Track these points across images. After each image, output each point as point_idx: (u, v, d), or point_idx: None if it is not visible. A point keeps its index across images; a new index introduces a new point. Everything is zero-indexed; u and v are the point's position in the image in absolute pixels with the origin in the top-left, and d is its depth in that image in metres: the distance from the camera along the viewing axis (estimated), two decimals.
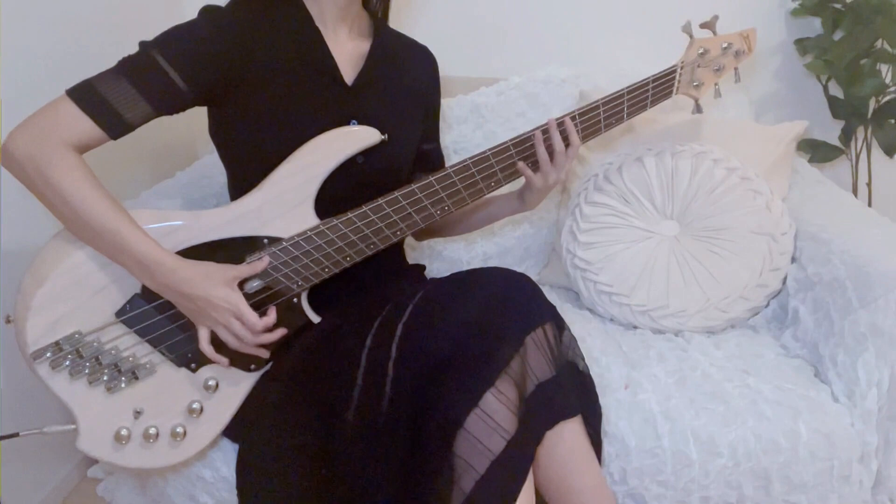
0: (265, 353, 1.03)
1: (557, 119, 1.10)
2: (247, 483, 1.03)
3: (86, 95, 0.93)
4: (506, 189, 1.19)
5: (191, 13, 1.02)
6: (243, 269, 0.99)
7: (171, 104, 0.99)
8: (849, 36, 1.58)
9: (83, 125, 0.93)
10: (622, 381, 1.17)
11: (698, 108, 1.25)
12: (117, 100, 0.94)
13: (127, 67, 0.96)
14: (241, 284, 1.00)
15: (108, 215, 0.92)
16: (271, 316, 1.01)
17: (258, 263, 1.00)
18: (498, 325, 0.93)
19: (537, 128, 1.10)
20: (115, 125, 0.95)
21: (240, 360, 1.04)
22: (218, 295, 0.95)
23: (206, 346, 0.99)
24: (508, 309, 0.95)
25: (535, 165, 1.11)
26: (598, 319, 1.41)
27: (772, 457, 1.08)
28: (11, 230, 1.24)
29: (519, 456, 0.89)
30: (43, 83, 1.26)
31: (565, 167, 1.12)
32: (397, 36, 1.20)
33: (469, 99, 1.60)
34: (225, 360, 1.00)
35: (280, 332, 1.02)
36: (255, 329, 0.98)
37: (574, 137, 1.11)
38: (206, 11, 1.01)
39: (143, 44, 0.98)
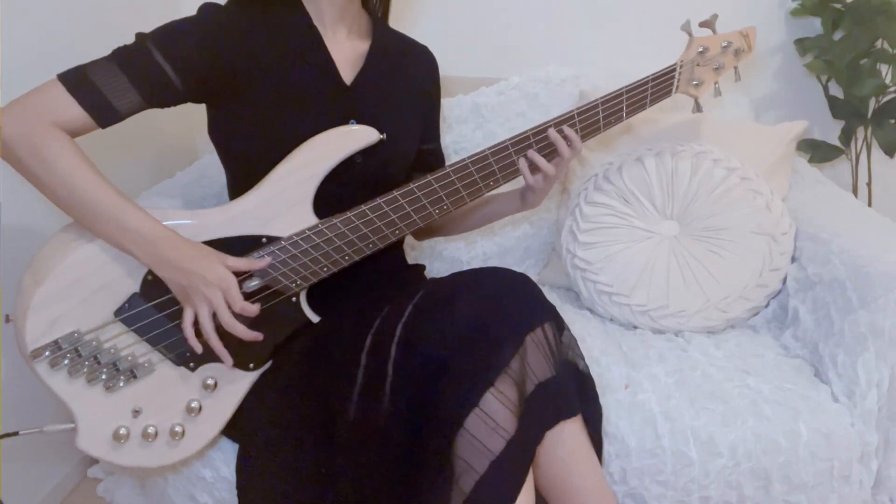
0: (229, 361, 0.99)
1: (556, 123, 1.10)
2: (247, 483, 1.03)
3: (77, 81, 0.93)
4: (506, 188, 1.19)
5: (188, 11, 1.02)
6: (241, 262, 0.98)
7: (163, 97, 0.98)
8: (849, 36, 1.58)
9: (72, 110, 0.92)
10: (622, 381, 1.17)
11: (698, 107, 1.25)
12: (108, 88, 0.93)
13: (121, 57, 0.95)
14: (240, 284, 1.00)
15: (105, 189, 0.91)
16: (255, 306, 0.98)
17: (258, 261, 0.99)
18: (497, 325, 0.93)
19: (535, 127, 1.10)
20: (105, 113, 0.94)
21: (239, 359, 1.03)
22: (215, 272, 0.94)
23: (188, 328, 0.96)
24: (508, 309, 0.95)
25: (533, 166, 1.11)
26: (598, 319, 1.41)
27: (772, 457, 1.07)
28: (11, 229, 1.24)
29: (519, 456, 0.89)
30: (39, 82, 1.26)
31: (565, 167, 1.12)
32: (397, 36, 1.20)
33: (469, 99, 1.60)
34: (218, 345, 0.97)
35: (253, 334, 0.98)
36: (235, 305, 0.95)
37: (571, 144, 1.10)
38: (206, 8, 1.01)
39: (139, 35, 0.97)
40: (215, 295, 0.94)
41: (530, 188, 1.15)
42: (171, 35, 0.97)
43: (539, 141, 1.10)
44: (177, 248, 0.93)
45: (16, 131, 0.89)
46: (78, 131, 0.94)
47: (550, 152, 1.11)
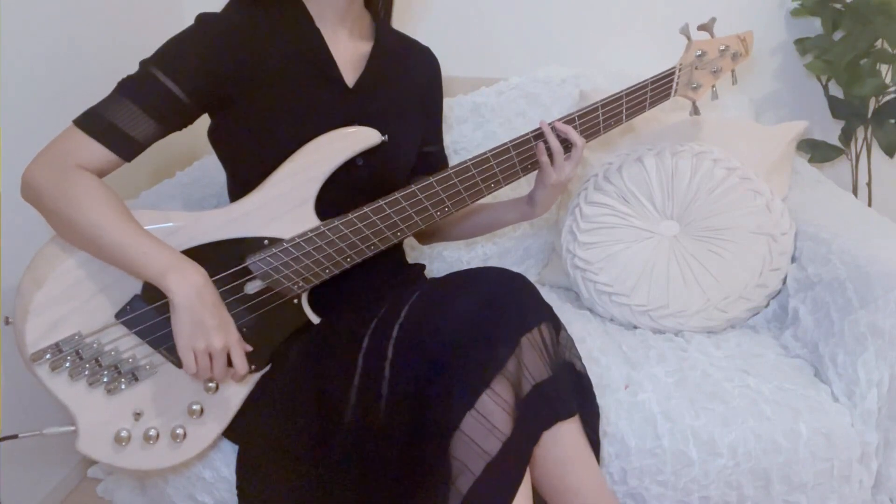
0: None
1: (551, 123, 1.11)
2: (247, 483, 1.04)
3: (93, 122, 0.94)
4: (507, 192, 1.19)
5: (190, 20, 1.02)
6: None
7: (176, 119, 0.99)
8: (849, 36, 1.58)
9: (96, 152, 0.94)
10: (622, 381, 1.17)
11: (696, 110, 1.25)
12: (124, 121, 0.95)
13: (128, 87, 0.96)
14: (242, 286, 1.00)
15: (131, 232, 0.91)
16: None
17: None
18: (493, 326, 0.93)
19: (536, 129, 1.10)
20: (126, 147, 0.96)
21: None
22: (234, 338, 0.95)
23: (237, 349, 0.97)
24: (504, 309, 0.94)
25: (549, 158, 1.12)
26: (598, 319, 1.41)
27: (772, 457, 1.08)
28: (11, 231, 1.24)
29: (515, 457, 0.89)
30: (43, 89, 1.26)
31: (577, 162, 1.13)
32: (399, 37, 1.20)
33: (469, 99, 1.60)
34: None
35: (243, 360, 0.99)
36: (237, 376, 0.98)
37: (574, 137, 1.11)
38: (202, 19, 1.01)
39: (142, 62, 0.98)
40: (220, 355, 0.95)
41: (542, 180, 1.14)
42: (171, 54, 0.98)
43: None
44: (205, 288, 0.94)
45: (46, 178, 0.91)
46: (106, 170, 0.96)
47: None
